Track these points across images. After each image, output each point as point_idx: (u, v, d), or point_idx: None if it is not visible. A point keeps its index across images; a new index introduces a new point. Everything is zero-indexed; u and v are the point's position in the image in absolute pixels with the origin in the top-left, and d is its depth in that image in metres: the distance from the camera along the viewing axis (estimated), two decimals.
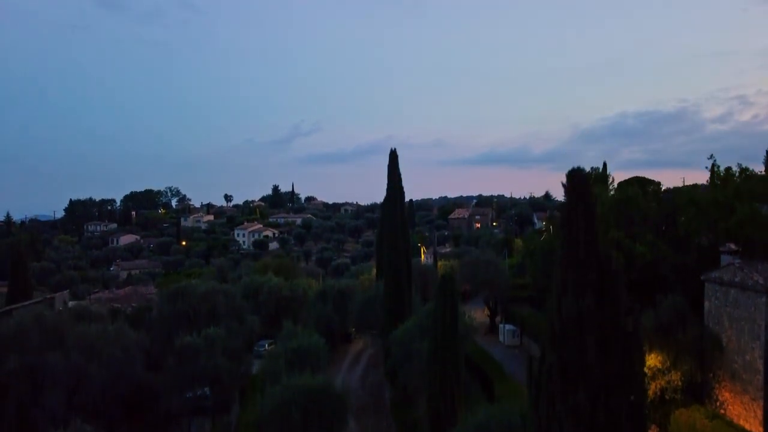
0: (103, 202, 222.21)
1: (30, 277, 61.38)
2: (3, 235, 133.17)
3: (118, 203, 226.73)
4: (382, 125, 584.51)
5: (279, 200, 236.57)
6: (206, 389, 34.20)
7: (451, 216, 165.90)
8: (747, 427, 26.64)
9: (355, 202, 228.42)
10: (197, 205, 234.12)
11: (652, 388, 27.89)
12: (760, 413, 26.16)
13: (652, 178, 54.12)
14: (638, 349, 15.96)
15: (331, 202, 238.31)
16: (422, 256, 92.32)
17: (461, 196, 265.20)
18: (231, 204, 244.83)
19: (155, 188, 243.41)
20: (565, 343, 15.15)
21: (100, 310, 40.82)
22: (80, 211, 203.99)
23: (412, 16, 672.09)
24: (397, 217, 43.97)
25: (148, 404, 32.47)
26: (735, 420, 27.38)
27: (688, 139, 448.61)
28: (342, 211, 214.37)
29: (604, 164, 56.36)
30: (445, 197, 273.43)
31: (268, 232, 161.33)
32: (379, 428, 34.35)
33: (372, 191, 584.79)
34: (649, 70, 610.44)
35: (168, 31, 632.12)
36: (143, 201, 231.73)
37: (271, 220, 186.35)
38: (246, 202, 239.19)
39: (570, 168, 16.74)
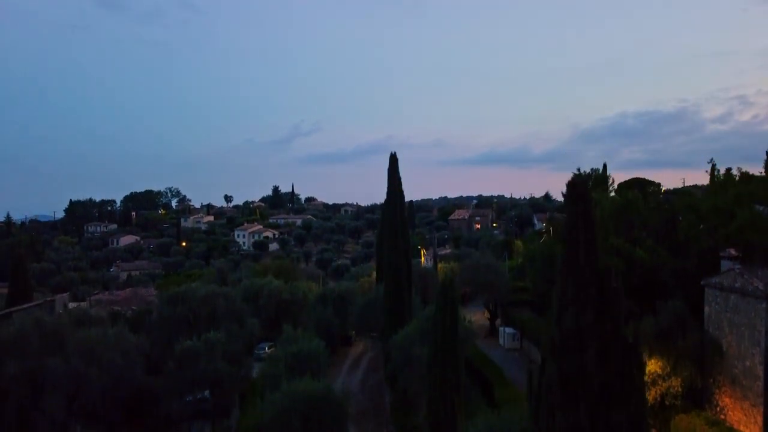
0: (103, 202, 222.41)
1: (30, 278, 61.40)
2: (3, 236, 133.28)
3: (118, 204, 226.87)
4: (382, 125, 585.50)
5: (279, 201, 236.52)
6: (206, 393, 34.17)
7: (451, 217, 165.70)
8: None
9: (355, 203, 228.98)
10: (197, 205, 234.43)
11: (652, 394, 27.87)
12: (760, 419, 26.12)
13: (652, 179, 54.54)
14: (638, 362, 15.95)
15: (331, 203, 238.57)
16: (422, 258, 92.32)
17: (461, 196, 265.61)
18: (231, 205, 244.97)
19: (155, 189, 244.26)
20: (565, 356, 15.17)
21: (100, 313, 40.70)
22: (80, 211, 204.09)
23: (412, 16, 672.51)
24: (397, 220, 44.01)
25: (148, 408, 32.43)
26: (735, 426, 27.34)
27: (688, 139, 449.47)
28: (342, 211, 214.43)
29: (604, 165, 56.64)
30: (445, 197, 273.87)
31: (268, 233, 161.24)
32: None
33: (372, 191, 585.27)
34: (649, 70, 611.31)
35: (168, 31, 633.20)
36: (143, 202, 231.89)
37: (271, 220, 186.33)
38: (246, 203, 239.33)
39: (571, 170, 17.07)
